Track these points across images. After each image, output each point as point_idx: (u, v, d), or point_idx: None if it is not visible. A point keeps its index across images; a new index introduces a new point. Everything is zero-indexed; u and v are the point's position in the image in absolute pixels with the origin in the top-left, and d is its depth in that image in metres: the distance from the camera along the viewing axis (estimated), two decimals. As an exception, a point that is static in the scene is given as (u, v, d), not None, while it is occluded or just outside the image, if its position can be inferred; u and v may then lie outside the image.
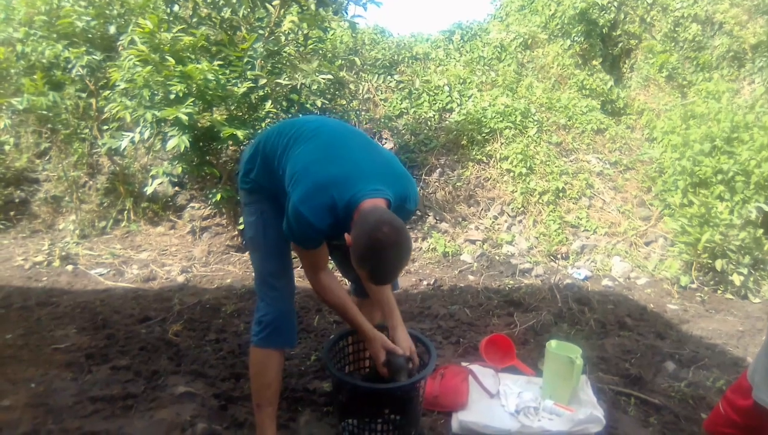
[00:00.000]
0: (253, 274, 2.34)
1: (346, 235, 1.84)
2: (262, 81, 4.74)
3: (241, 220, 4.90)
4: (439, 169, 6.48)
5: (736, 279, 4.73)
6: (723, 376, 3.23)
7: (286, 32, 5.13)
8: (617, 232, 5.87)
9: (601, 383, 3.05)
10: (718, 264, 4.77)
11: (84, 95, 5.80)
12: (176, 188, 6.23)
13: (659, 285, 5.05)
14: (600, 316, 4.07)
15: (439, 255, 5.37)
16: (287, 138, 2.09)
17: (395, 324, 2.31)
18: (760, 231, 4.90)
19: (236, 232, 5.37)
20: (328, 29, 6.32)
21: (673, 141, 6.38)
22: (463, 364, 3.06)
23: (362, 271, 1.85)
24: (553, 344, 2.80)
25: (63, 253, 5.05)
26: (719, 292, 4.88)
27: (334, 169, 1.94)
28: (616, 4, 8.78)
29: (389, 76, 7.86)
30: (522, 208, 6.03)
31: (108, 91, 5.11)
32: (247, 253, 5.21)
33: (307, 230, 1.93)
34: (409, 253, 1.87)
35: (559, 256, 5.50)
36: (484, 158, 6.53)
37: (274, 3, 4.96)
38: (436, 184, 6.31)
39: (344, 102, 6.55)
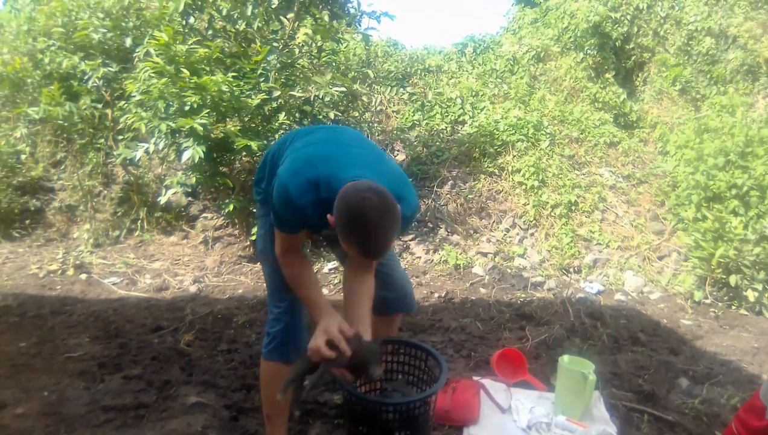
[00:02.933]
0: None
1: (329, 215, 1.73)
2: (276, 93, 4.78)
3: (253, 230, 4.93)
4: (451, 181, 6.48)
5: (751, 295, 4.68)
6: (737, 394, 3.18)
7: (300, 44, 5.18)
8: (630, 246, 5.83)
9: (614, 399, 3.02)
10: (732, 279, 4.73)
11: (100, 106, 5.87)
12: (189, 198, 6.28)
13: (673, 300, 5.00)
14: (613, 331, 4.04)
15: (451, 267, 5.36)
16: (289, 141, 2.12)
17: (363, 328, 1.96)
18: (775, 246, 4.85)
19: (248, 243, 5.40)
20: (342, 42, 6.37)
21: (686, 155, 6.34)
22: (475, 378, 3.04)
23: (350, 246, 1.72)
24: (565, 359, 2.78)
25: (77, 262, 5.10)
26: (733, 307, 4.82)
27: (323, 151, 1.94)
28: (629, 17, 8.76)
29: (402, 89, 7.91)
30: (534, 221, 6.01)
31: (123, 102, 5.17)
32: (258, 264, 5.24)
33: (288, 208, 1.85)
34: (398, 219, 1.69)
35: (571, 269, 5.47)
36: (496, 171, 6.52)
37: (288, 16, 5.02)
38: (448, 196, 6.31)
39: (357, 114, 6.59)
